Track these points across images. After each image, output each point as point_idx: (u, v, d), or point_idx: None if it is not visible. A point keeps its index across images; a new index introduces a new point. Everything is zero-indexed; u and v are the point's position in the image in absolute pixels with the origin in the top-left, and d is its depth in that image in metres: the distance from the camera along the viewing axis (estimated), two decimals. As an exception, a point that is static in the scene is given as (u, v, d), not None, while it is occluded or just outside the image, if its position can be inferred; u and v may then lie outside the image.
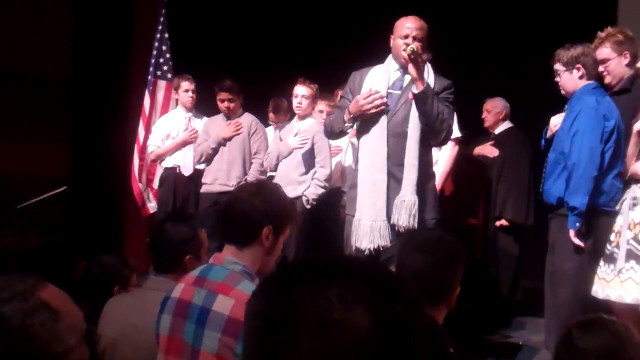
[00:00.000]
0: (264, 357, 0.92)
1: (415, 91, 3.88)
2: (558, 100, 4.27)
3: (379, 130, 3.98)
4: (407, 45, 3.89)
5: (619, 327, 2.06)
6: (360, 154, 4.10)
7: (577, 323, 2.14)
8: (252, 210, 2.33)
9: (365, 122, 4.04)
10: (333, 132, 4.28)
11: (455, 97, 4.12)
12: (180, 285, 2.38)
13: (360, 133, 4.12)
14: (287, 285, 0.94)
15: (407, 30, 3.96)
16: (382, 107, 3.96)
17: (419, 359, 0.94)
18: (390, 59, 4.12)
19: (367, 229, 3.94)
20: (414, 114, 3.95)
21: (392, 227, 3.94)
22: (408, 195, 3.92)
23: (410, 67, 3.88)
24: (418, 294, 0.98)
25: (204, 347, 2.19)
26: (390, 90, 4.04)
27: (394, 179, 3.96)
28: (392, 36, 4.07)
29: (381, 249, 3.93)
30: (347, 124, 4.10)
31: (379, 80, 4.07)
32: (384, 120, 3.98)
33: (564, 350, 2.09)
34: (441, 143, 4.33)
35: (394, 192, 3.95)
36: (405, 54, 3.87)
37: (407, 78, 4.04)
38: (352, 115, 4.03)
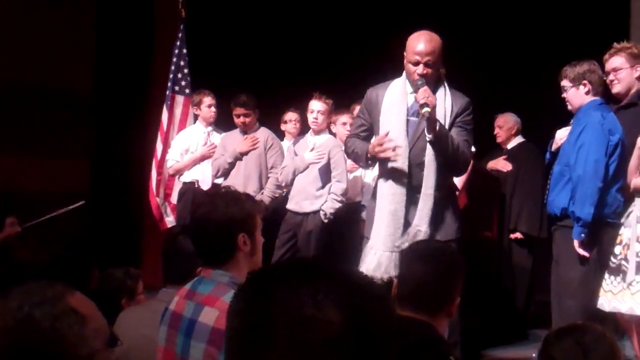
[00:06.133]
0: (243, 355, 0.99)
1: (428, 138, 3.90)
2: (567, 115, 4.33)
3: (401, 160, 3.96)
4: (419, 75, 3.88)
5: (588, 337, 2.06)
6: (379, 182, 4.09)
7: (554, 331, 2.19)
8: (218, 229, 2.32)
9: None
10: (359, 164, 4.35)
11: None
12: (176, 298, 2.43)
13: (381, 160, 4.08)
14: (264, 286, 1.01)
15: (417, 57, 3.90)
16: (394, 156, 3.95)
17: (388, 353, 1.00)
18: (405, 80, 4.07)
19: (385, 259, 3.93)
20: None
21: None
22: (423, 225, 3.93)
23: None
24: (386, 292, 1.06)
25: (190, 358, 2.24)
26: (409, 118, 4.01)
27: (415, 205, 3.96)
28: (404, 54, 4.01)
29: (393, 279, 3.92)
30: (369, 163, 4.14)
31: (397, 105, 4.04)
32: (405, 149, 3.96)
33: (540, 358, 2.13)
34: (460, 174, 4.39)
35: (410, 217, 3.95)
36: (420, 100, 3.83)
37: None
38: (370, 156, 4.04)
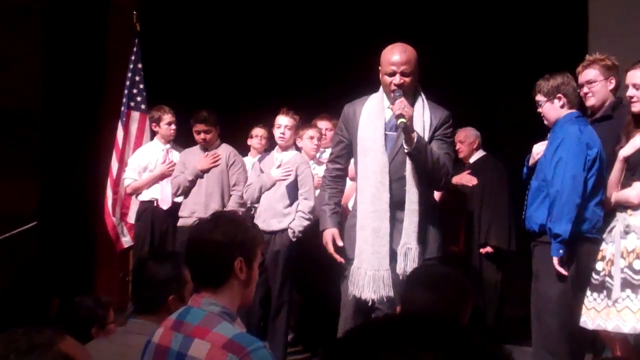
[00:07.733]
0: None
1: (406, 150, 3.80)
2: (534, 128, 4.30)
3: (381, 176, 3.84)
4: (395, 85, 3.81)
5: None
6: (360, 198, 3.94)
7: None
8: (217, 248, 2.22)
9: (365, 165, 3.92)
10: None
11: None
12: (160, 329, 2.28)
13: (360, 176, 3.97)
14: (375, 352, 0.82)
15: (392, 67, 3.83)
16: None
17: None
18: (382, 95, 3.98)
19: (370, 279, 3.80)
20: None
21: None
22: (412, 242, 3.82)
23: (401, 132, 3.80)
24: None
25: None
26: (387, 132, 3.91)
27: (398, 221, 3.85)
28: (380, 68, 3.93)
29: (384, 299, 3.79)
30: None
31: (374, 119, 3.94)
32: (385, 164, 3.85)
33: None
34: (441, 188, 4.28)
35: (396, 236, 3.84)
36: (395, 112, 3.76)
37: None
38: None
